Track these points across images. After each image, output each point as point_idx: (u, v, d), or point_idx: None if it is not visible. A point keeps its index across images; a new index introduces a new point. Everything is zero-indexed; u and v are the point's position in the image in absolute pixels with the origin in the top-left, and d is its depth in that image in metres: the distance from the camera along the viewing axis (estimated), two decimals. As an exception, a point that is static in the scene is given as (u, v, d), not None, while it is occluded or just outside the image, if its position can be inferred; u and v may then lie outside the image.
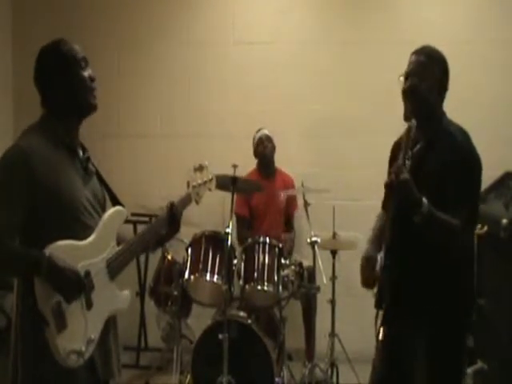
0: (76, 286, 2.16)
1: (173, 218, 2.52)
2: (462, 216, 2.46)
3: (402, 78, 2.63)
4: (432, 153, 2.52)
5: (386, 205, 2.82)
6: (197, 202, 2.69)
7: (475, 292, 2.67)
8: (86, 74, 2.31)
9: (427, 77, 2.58)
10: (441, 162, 2.50)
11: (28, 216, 2.16)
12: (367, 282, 2.76)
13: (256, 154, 4.96)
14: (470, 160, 2.53)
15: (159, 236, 2.56)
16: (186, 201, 2.64)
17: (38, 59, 2.35)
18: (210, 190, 2.77)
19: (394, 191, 2.45)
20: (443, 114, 2.66)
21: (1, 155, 2.22)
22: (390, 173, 2.54)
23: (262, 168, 4.98)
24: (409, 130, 2.50)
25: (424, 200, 2.40)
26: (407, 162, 2.47)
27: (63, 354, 2.12)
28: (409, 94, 2.60)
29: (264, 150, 4.91)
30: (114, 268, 2.33)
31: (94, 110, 2.35)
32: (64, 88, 2.29)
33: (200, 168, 2.73)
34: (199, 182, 2.70)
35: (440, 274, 2.53)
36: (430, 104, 2.61)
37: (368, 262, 2.75)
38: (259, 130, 4.96)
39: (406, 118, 2.62)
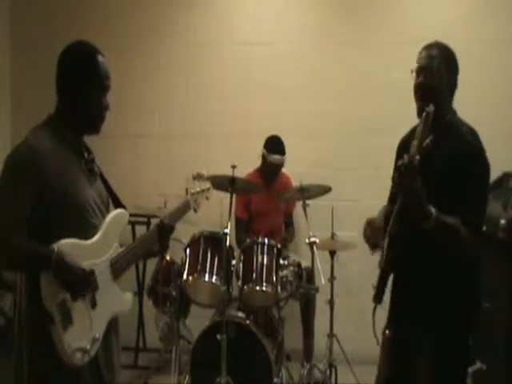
0: (83, 283, 2.19)
1: (162, 235, 2.53)
2: (470, 217, 2.43)
3: (413, 74, 2.60)
4: (440, 150, 2.47)
5: (391, 198, 2.78)
6: (195, 210, 2.73)
7: (481, 293, 2.65)
8: (105, 100, 2.34)
9: (438, 72, 2.55)
10: (450, 159, 2.48)
11: (35, 213, 2.18)
12: (373, 246, 2.68)
13: (272, 164, 4.83)
14: (480, 159, 2.51)
15: (151, 250, 2.57)
16: (185, 207, 2.67)
17: (69, 54, 2.35)
18: (207, 198, 2.80)
19: (403, 179, 2.36)
20: (454, 111, 2.63)
21: (10, 152, 2.24)
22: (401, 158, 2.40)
23: (269, 173, 4.92)
24: (427, 116, 2.34)
25: (432, 211, 2.35)
26: (417, 157, 2.34)
27: (69, 351, 2.14)
28: (421, 90, 2.57)
29: (281, 162, 4.84)
30: (118, 269, 2.35)
31: (95, 133, 2.40)
32: (80, 103, 2.32)
33: (198, 176, 2.76)
34: (197, 189, 2.72)
35: (445, 274, 2.52)
36: (440, 100, 2.57)
37: (370, 225, 2.69)
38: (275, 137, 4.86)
39: (420, 114, 2.55)
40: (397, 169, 2.40)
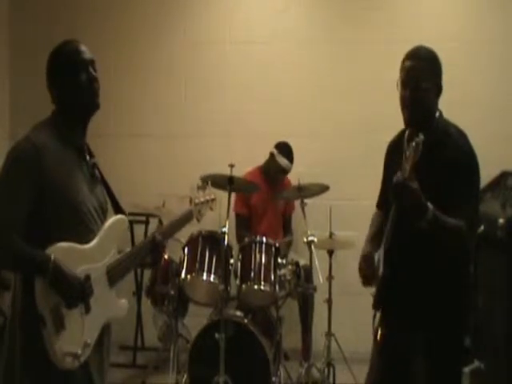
0: (78, 293, 2.17)
1: (153, 250, 2.50)
2: (465, 216, 2.44)
3: (398, 85, 2.59)
4: (431, 155, 2.49)
5: (380, 203, 2.82)
6: (198, 220, 2.73)
7: (473, 294, 2.67)
8: (84, 76, 2.30)
9: (424, 82, 2.54)
10: (440, 163, 2.50)
11: (33, 212, 2.16)
12: (367, 281, 2.72)
13: (278, 166, 4.84)
14: (470, 161, 2.53)
15: (144, 261, 2.57)
16: (188, 217, 2.67)
17: (48, 58, 2.36)
18: (211, 209, 2.80)
19: (400, 197, 2.39)
20: (440, 113, 2.64)
21: (11, 147, 2.23)
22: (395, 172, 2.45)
23: (274, 177, 4.92)
24: (417, 146, 2.31)
25: (429, 205, 2.36)
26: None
27: (59, 355, 2.13)
28: (409, 104, 2.55)
29: (288, 168, 4.85)
30: (114, 275, 2.33)
31: (95, 109, 2.35)
32: (64, 89, 2.30)
33: (203, 187, 2.75)
34: (202, 200, 2.72)
35: (437, 275, 2.53)
36: (429, 109, 2.60)
37: (366, 261, 2.72)
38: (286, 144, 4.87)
39: (407, 124, 2.62)
40: (391, 188, 2.41)
